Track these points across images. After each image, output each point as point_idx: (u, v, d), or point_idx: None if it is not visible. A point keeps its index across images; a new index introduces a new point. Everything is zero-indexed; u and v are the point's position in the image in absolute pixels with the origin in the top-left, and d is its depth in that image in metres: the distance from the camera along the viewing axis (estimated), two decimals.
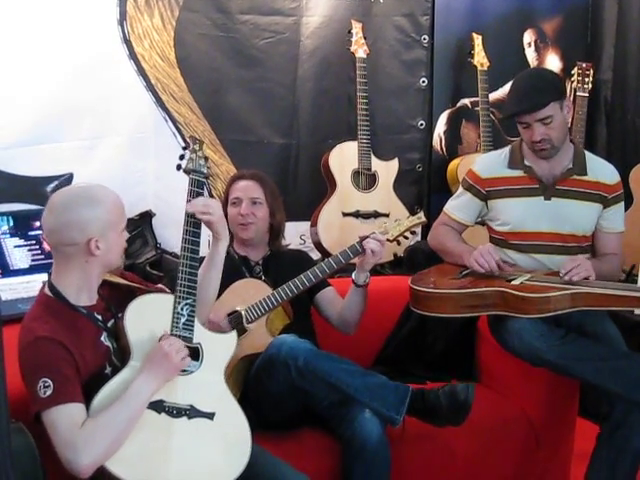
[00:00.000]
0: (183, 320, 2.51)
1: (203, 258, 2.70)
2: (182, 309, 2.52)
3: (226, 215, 3.29)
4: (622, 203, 3.38)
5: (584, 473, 3.12)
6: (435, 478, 3.15)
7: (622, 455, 3.01)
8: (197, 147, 2.70)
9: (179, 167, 2.69)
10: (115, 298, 2.60)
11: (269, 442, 2.69)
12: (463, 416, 2.84)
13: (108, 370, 2.46)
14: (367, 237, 3.13)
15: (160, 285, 3.09)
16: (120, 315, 2.51)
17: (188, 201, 2.61)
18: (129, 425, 2.31)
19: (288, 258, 3.44)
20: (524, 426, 3.30)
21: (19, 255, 3.60)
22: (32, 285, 3.47)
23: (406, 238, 3.32)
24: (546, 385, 3.23)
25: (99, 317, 2.50)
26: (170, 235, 4.33)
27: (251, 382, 2.97)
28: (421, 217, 3.29)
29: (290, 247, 3.65)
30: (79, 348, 2.36)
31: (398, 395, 2.82)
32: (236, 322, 3.06)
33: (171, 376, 2.42)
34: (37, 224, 3.60)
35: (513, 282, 3.04)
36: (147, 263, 4.23)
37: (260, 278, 3.30)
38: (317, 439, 2.99)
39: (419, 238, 4.71)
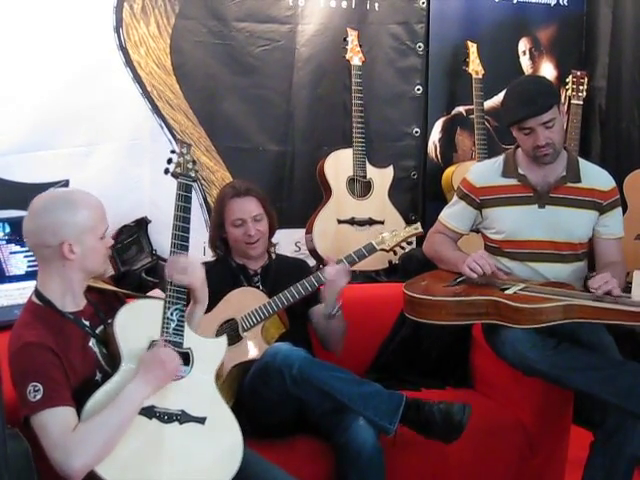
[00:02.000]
0: (173, 325, 2.52)
1: None
2: (172, 314, 2.52)
3: (217, 231, 3.30)
4: (619, 209, 3.39)
5: None
6: None
7: (617, 462, 3.01)
8: (185, 150, 2.71)
9: (167, 171, 2.69)
10: (104, 304, 2.61)
11: (263, 449, 2.69)
12: (456, 436, 2.85)
13: (98, 377, 2.46)
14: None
15: (157, 290, 3.10)
16: (109, 321, 2.52)
17: (176, 207, 2.61)
18: (121, 429, 2.31)
19: (287, 268, 3.45)
20: (518, 433, 3.30)
21: (15, 261, 3.60)
22: (28, 291, 3.39)
23: (402, 249, 3.33)
24: (540, 392, 3.23)
25: (87, 323, 2.51)
26: (166, 241, 4.23)
27: (245, 389, 2.98)
28: (418, 227, 3.32)
29: (291, 255, 3.65)
30: (67, 354, 2.37)
31: (392, 404, 2.82)
32: (232, 330, 3.06)
33: (164, 384, 2.43)
34: None
35: (507, 291, 3.05)
36: (143, 270, 4.22)
37: (258, 287, 3.30)
38: (311, 446, 2.99)
39: (414, 245, 4.71)
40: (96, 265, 2.52)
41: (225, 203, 3.34)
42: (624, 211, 4.20)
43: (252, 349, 3.05)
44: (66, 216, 2.41)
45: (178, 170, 2.67)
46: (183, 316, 2.54)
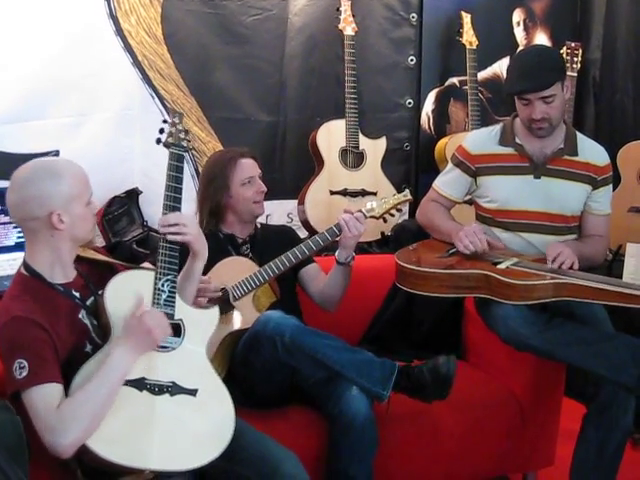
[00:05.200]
0: (164, 296, 2.49)
1: None
2: (163, 285, 2.50)
3: (216, 198, 3.27)
4: (610, 186, 3.38)
5: (570, 452, 3.12)
6: (422, 456, 3.15)
7: (610, 435, 3.01)
8: (177, 120, 2.68)
9: (159, 141, 2.66)
10: (94, 275, 2.58)
11: (255, 419, 2.69)
12: (447, 389, 2.84)
13: (89, 348, 2.44)
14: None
15: (147, 263, 3.08)
16: (100, 292, 2.49)
17: (168, 177, 2.57)
18: (107, 401, 2.29)
19: (274, 235, 3.44)
20: (511, 405, 3.31)
21: (4, 232, 3.58)
22: (18, 262, 3.38)
23: (392, 215, 3.31)
24: (533, 364, 3.23)
25: (77, 294, 2.48)
26: (157, 213, 4.23)
27: (237, 359, 2.97)
28: (407, 195, 3.30)
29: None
30: (56, 327, 2.35)
31: (384, 371, 2.82)
32: (223, 299, 3.05)
33: (149, 349, 2.41)
34: None
35: (499, 266, 3.04)
36: (134, 241, 4.20)
37: (247, 256, 3.29)
38: (304, 416, 2.99)
39: (406, 216, 4.70)
40: (85, 232, 2.49)
41: (231, 164, 3.32)
42: (617, 184, 4.23)
43: (244, 318, 3.04)
44: (51, 186, 2.38)
45: (170, 140, 2.64)
46: (174, 287, 2.51)
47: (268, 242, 3.35)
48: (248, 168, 3.33)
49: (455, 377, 2.83)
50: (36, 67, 4.04)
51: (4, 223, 3.59)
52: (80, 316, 2.47)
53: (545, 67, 3.18)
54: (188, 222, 2.60)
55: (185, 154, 2.66)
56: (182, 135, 2.66)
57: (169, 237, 2.55)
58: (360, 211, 3.18)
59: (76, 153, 3.92)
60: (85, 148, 4.16)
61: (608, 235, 3.40)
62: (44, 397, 2.24)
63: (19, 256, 3.48)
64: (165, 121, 2.68)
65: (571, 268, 3.01)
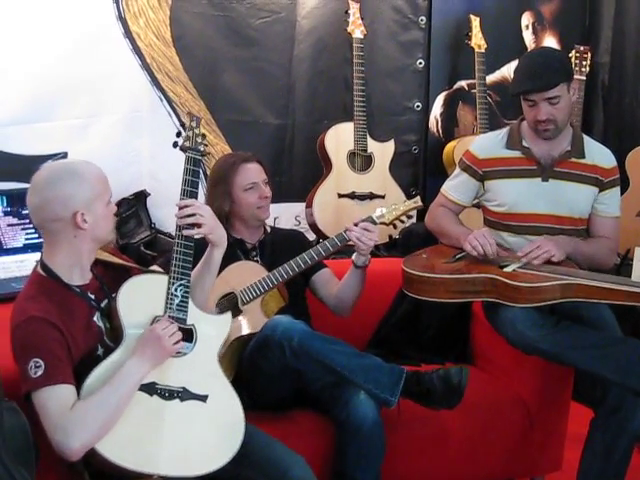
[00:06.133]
0: (177, 301, 2.49)
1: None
2: (176, 290, 2.50)
3: (220, 202, 3.26)
4: (618, 188, 3.37)
5: (577, 456, 3.12)
6: (429, 460, 3.15)
7: (617, 439, 3.01)
8: (194, 124, 2.68)
9: (175, 144, 2.66)
10: (109, 277, 2.58)
11: (263, 423, 2.68)
12: (457, 399, 2.83)
13: (100, 351, 2.44)
14: (357, 223, 3.13)
15: (155, 266, 3.09)
16: (114, 295, 2.50)
17: (184, 181, 2.58)
18: (119, 408, 2.30)
19: (284, 240, 3.42)
20: (518, 409, 3.30)
21: (13, 234, 3.59)
22: (26, 264, 3.46)
23: (402, 222, 3.31)
24: (540, 368, 3.23)
25: (92, 296, 2.49)
26: (165, 215, 4.31)
27: (245, 363, 2.96)
28: (417, 201, 3.29)
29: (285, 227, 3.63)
30: (71, 328, 2.35)
31: (393, 376, 2.81)
32: (231, 303, 3.05)
33: (163, 360, 2.41)
34: None
35: (505, 269, 3.03)
36: (141, 243, 4.21)
37: (256, 261, 3.28)
38: (311, 420, 2.99)
39: (414, 220, 4.70)
40: (106, 232, 2.50)
41: (234, 170, 3.29)
42: (626, 188, 4.22)
43: (252, 323, 3.03)
44: (73, 186, 2.39)
45: (187, 144, 2.63)
46: (187, 292, 2.51)
47: (278, 247, 3.34)
48: (251, 173, 3.29)
49: (466, 388, 2.82)
50: (45, 69, 4.05)
51: (12, 225, 3.59)
52: (95, 318, 2.47)
53: (550, 68, 3.17)
54: (205, 211, 2.60)
55: (202, 158, 2.66)
56: (199, 139, 2.66)
57: (185, 232, 2.54)
58: (370, 217, 3.17)
59: (84, 155, 3.91)
60: (93, 150, 4.16)
61: (616, 238, 3.38)
62: (58, 397, 2.25)
63: (27, 258, 3.52)
64: (182, 124, 2.67)
65: (551, 262, 3.01)
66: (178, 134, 2.68)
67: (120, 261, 2.68)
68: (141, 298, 2.49)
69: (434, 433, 3.13)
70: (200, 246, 2.65)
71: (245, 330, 3.02)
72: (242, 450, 2.41)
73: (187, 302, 2.51)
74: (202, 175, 4.44)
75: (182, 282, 2.51)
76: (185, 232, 2.55)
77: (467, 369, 2.85)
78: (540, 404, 3.31)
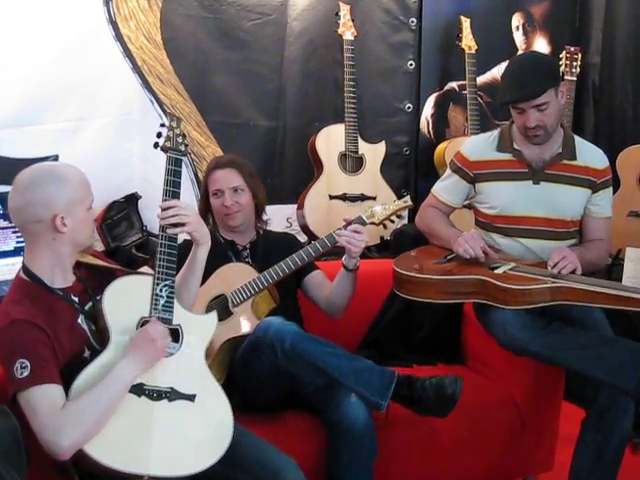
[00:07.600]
0: (162, 302, 2.49)
1: (183, 240, 2.68)
2: (161, 290, 2.50)
3: (208, 206, 3.29)
4: (610, 189, 3.37)
5: (569, 457, 3.12)
6: (421, 461, 3.15)
7: (609, 440, 3.01)
8: (174, 124, 2.67)
9: (156, 145, 2.66)
10: (93, 280, 2.58)
11: (255, 425, 2.68)
12: (449, 409, 2.83)
13: (87, 354, 2.44)
14: (349, 223, 3.13)
15: (145, 267, 3.08)
16: (98, 297, 2.50)
17: (166, 181, 2.57)
18: (110, 408, 2.30)
19: (275, 242, 3.42)
20: (510, 410, 3.30)
21: (3, 237, 3.58)
22: (17, 267, 3.42)
23: (392, 222, 3.31)
24: (532, 369, 3.23)
25: (76, 299, 2.49)
26: (156, 217, 4.29)
27: (237, 365, 2.96)
28: (407, 201, 3.29)
29: (277, 230, 3.63)
30: (56, 331, 2.35)
31: (384, 380, 2.81)
32: (221, 306, 3.05)
33: (155, 361, 2.41)
34: None
35: (496, 271, 3.04)
36: (133, 246, 4.21)
37: (247, 263, 3.28)
38: (302, 423, 2.98)
39: (406, 221, 4.70)
40: (85, 237, 2.50)
41: (207, 174, 3.36)
42: (617, 188, 4.23)
43: (243, 324, 3.04)
44: (55, 189, 2.39)
45: (167, 144, 2.63)
46: (173, 292, 2.51)
47: (269, 249, 3.34)
48: (218, 180, 3.31)
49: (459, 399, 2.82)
50: (36, 72, 4.05)
51: (3, 228, 3.59)
52: (79, 321, 2.47)
53: (536, 75, 3.16)
54: (188, 210, 2.60)
55: (183, 158, 2.66)
56: (180, 139, 2.65)
57: (169, 230, 2.55)
58: (360, 217, 3.17)
59: (75, 158, 3.93)
60: (84, 153, 4.16)
61: (609, 238, 3.39)
62: (47, 397, 2.25)
63: (18, 261, 3.48)
64: (163, 125, 2.68)
65: (573, 273, 2.99)
66: (159, 135, 2.66)
67: (104, 263, 2.68)
68: (126, 299, 2.49)
69: (426, 434, 3.12)
70: (184, 249, 2.66)
71: (236, 332, 3.02)
72: (232, 452, 2.41)
73: (172, 302, 2.51)
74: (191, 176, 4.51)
75: (167, 282, 2.51)
76: (169, 231, 2.55)
77: (462, 378, 2.84)
78: (532, 405, 3.31)
